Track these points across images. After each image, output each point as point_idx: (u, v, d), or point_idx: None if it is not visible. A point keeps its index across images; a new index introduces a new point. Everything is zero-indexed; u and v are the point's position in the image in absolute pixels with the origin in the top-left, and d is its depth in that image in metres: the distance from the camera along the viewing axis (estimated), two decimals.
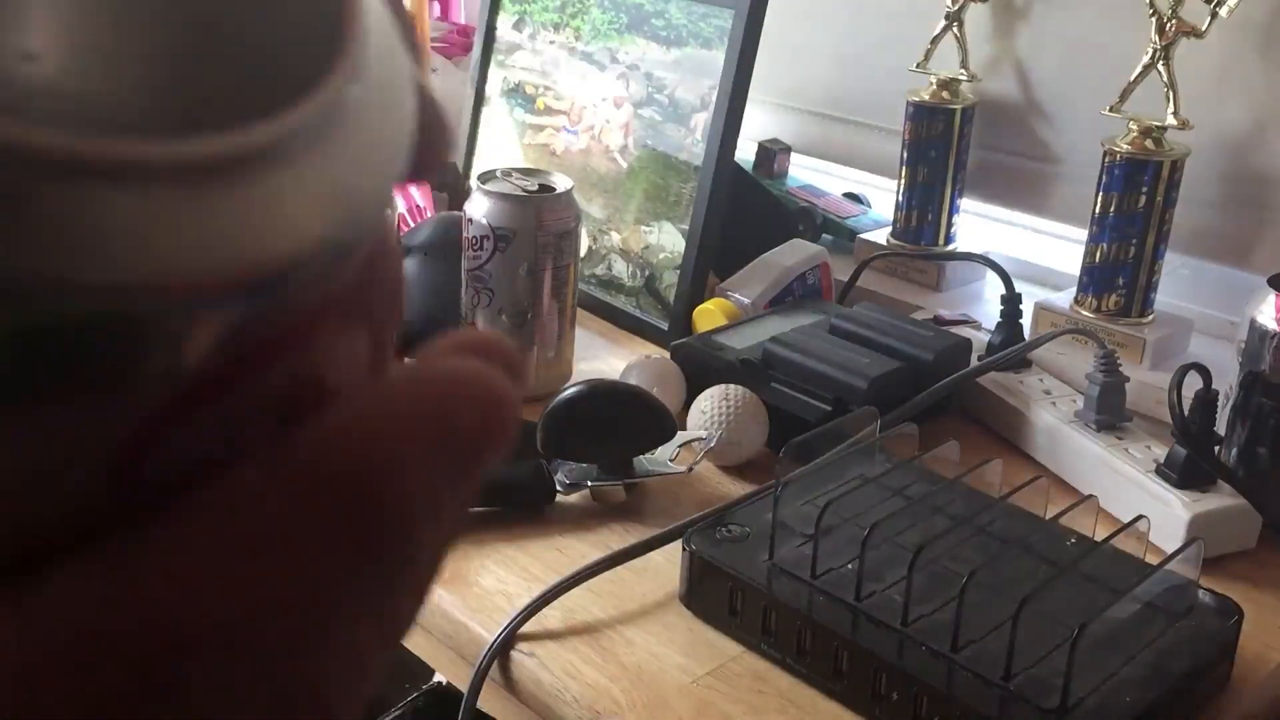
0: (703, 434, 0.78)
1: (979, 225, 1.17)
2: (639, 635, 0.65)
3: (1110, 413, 0.79)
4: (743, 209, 1.07)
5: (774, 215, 1.13)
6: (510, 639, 0.65)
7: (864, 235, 1.14)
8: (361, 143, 0.14)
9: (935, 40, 1.09)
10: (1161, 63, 0.92)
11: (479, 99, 1.15)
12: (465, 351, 0.16)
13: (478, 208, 0.84)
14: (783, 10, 0.99)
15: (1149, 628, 0.61)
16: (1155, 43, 0.92)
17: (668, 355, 0.88)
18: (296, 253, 0.13)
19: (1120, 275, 0.93)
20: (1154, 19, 0.92)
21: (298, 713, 0.14)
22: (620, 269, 1.03)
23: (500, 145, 1.13)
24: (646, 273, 1.01)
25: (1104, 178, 0.93)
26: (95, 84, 0.12)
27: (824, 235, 1.15)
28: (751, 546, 0.66)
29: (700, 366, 0.85)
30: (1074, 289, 0.97)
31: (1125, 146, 0.91)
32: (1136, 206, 0.91)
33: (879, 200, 1.22)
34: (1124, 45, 0.96)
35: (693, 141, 0.98)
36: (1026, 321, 0.94)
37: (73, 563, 0.13)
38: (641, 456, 0.75)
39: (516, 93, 1.12)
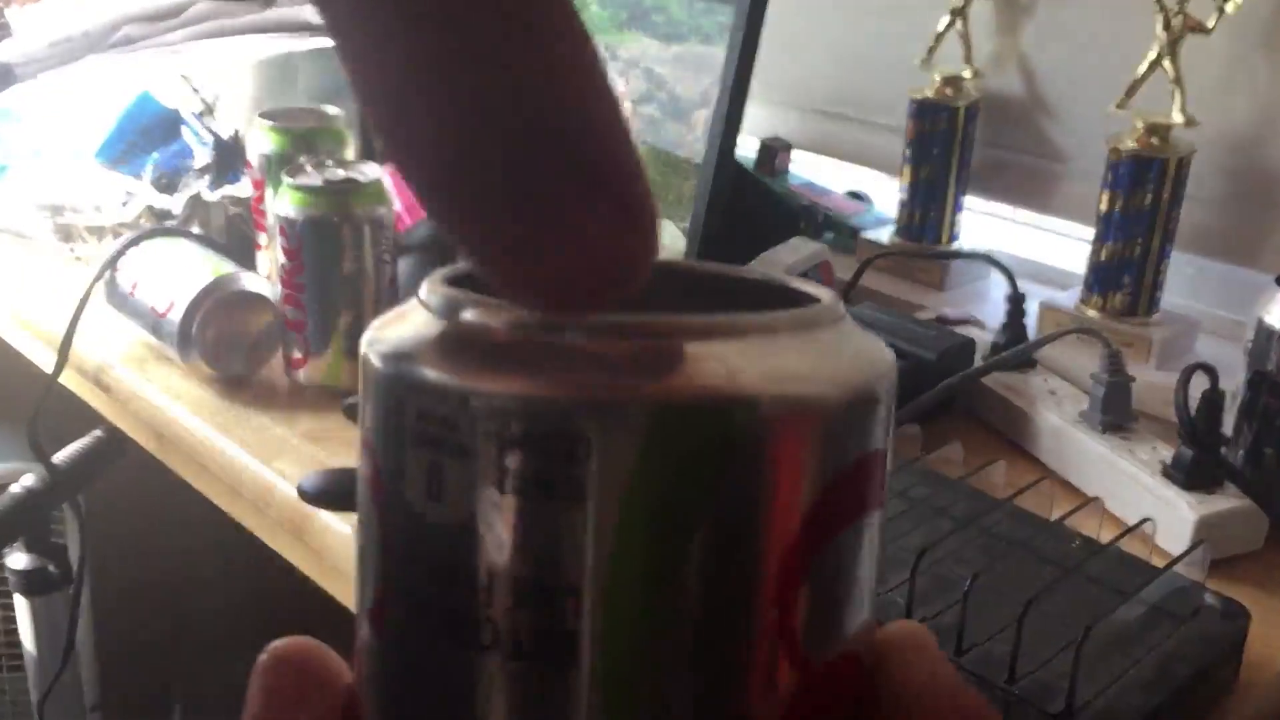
0: None
1: (983, 223, 1.16)
2: None
3: (1116, 413, 0.78)
4: (744, 207, 1.06)
5: (775, 213, 1.12)
6: None
7: (866, 234, 1.13)
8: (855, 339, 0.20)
9: (939, 37, 1.09)
10: (1167, 59, 0.91)
11: None
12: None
13: None
14: (784, 6, 0.99)
15: (1155, 630, 0.60)
16: (1161, 39, 0.91)
17: None
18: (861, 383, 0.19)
19: (1126, 274, 0.92)
20: (1160, 15, 0.91)
21: None
22: None
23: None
24: None
25: (1109, 175, 0.92)
26: None
27: (826, 233, 1.15)
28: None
29: None
30: (1079, 288, 0.96)
31: (1131, 144, 0.90)
32: (1142, 205, 0.90)
33: (882, 198, 1.21)
34: (1130, 42, 0.95)
35: (693, 139, 0.97)
36: (1031, 321, 0.93)
37: None
38: None
39: None
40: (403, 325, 0.19)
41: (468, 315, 0.18)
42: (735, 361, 0.17)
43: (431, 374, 0.18)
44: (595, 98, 0.15)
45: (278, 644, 0.21)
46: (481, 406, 0.17)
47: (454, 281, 0.20)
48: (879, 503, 0.19)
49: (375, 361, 0.19)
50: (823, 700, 0.19)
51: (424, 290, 0.19)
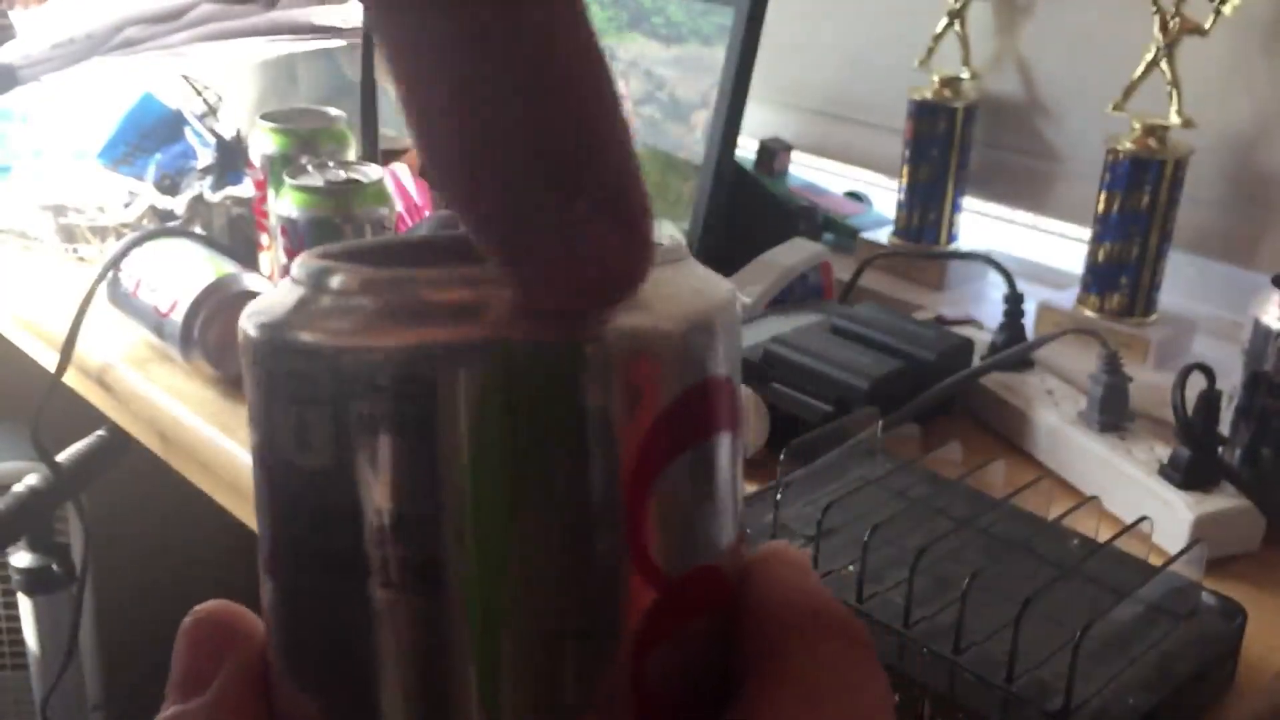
0: None
1: (981, 224, 1.16)
2: None
3: (1113, 413, 0.79)
4: (743, 208, 1.06)
5: (775, 214, 1.12)
6: None
7: (865, 234, 1.13)
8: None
9: (937, 38, 1.09)
10: (1165, 61, 0.91)
11: None
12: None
13: None
14: (784, 8, 0.99)
15: (1152, 630, 0.60)
16: (1159, 40, 0.92)
17: None
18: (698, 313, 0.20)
19: (1124, 274, 0.93)
20: (1157, 17, 0.91)
21: None
22: None
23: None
24: None
25: (1107, 176, 0.92)
26: None
27: (825, 234, 1.15)
28: (752, 548, 0.66)
29: None
30: (1077, 288, 0.96)
31: (1129, 145, 0.91)
32: (1140, 205, 0.91)
33: (881, 199, 1.21)
34: (1127, 43, 0.95)
35: (693, 140, 0.97)
36: (1029, 321, 0.93)
37: None
38: None
39: None
40: (272, 297, 0.21)
41: (325, 281, 0.20)
42: None
43: (291, 335, 0.19)
44: (612, 127, 0.17)
45: (198, 607, 0.23)
46: (336, 359, 0.19)
47: (326, 256, 0.21)
48: (727, 426, 0.21)
49: (248, 330, 0.20)
50: (680, 611, 0.20)
51: (293, 265, 0.21)
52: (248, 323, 0.21)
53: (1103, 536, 0.66)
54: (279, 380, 0.20)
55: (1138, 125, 0.91)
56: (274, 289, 0.21)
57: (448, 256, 0.24)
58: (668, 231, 0.99)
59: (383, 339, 0.19)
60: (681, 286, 0.21)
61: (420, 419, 0.18)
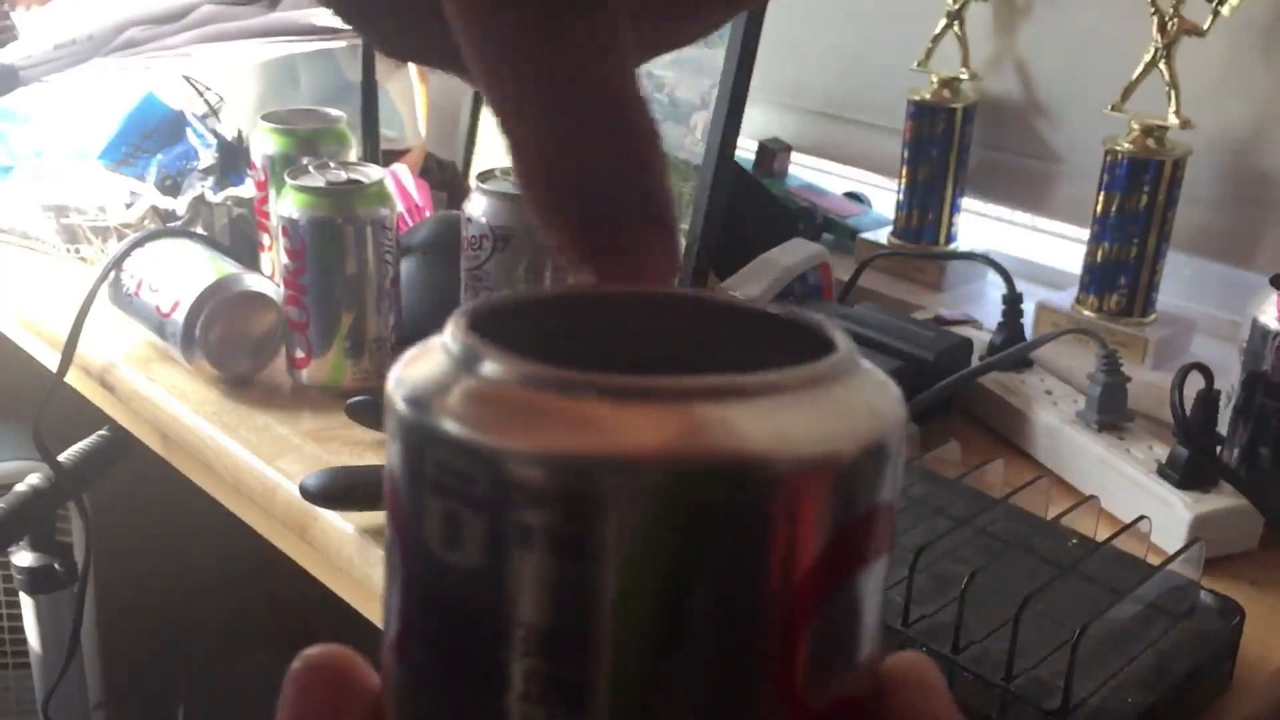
0: None
1: (980, 224, 1.17)
2: None
3: (1112, 413, 0.79)
4: (743, 208, 1.07)
5: (774, 214, 1.12)
6: None
7: (865, 235, 1.14)
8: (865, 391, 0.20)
9: (936, 39, 1.09)
10: (1163, 61, 0.91)
11: (478, 98, 1.15)
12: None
13: (476, 207, 0.84)
14: (784, 9, 0.99)
15: (1150, 629, 0.60)
16: (1157, 41, 0.92)
17: None
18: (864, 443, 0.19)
19: (1122, 275, 0.93)
20: (1155, 18, 0.92)
21: None
22: None
23: (500, 144, 1.13)
24: None
25: (1105, 177, 0.92)
26: None
27: (824, 235, 1.15)
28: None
29: None
30: (1075, 288, 0.96)
31: (1127, 145, 0.91)
32: (1138, 206, 0.91)
33: (880, 199, 1.21)
34: (1126, 44, 0.96)
35: (693, 140, 0.98)
36: (1028, 321, 0.93)
37: None
38: None
39: None
40: (425, 368, 0.20)
41: (487, 368, 0.19)
42: (745, 423, 0.18)
43: (449, 426, 0.18)
44: (659, 155, 0.22)
45: (311, 652, 0.21)
46: (496, 463, 0.18)
47: (476, 322, 0.20)
48: (886, 549, 0.20)
49: (399, 405, 0.19)
50: None
51: (447, 333, 0.20)
52: (395, 391, 0.19)
53: (1101, 536, 0.66)
54: (426, 467, 0.19)
55: (1136, 126, 0.91)
56: (425, 350, 0.20)
57: (607, 322, 0.24)
58: None
59: (545, 448, 0.18)
60: (855, 404, 0.19)
61: (578, 535, 0.18)
